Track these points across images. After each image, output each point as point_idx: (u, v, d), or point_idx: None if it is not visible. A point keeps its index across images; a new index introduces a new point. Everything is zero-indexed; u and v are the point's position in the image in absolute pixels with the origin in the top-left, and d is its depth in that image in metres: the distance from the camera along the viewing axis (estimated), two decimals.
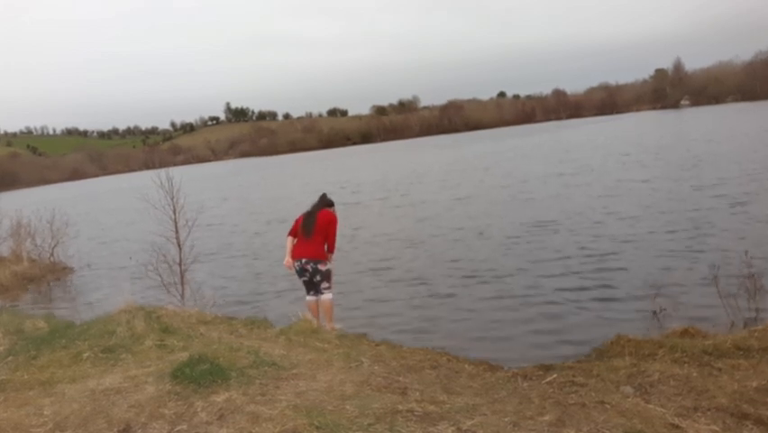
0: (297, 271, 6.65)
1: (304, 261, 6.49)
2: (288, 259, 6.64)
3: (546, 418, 3.58)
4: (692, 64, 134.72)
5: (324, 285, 6.59)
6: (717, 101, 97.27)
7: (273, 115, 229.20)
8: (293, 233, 6.71)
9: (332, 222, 6.62)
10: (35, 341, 5.86)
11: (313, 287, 6.65)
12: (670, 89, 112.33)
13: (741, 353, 4.55)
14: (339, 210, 7.06)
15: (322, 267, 6.52)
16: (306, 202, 6.99)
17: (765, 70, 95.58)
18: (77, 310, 9.31)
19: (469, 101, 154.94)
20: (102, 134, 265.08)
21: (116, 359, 5.13)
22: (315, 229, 6.51)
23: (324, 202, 6.73)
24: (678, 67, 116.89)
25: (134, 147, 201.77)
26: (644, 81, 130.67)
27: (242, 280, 10.76)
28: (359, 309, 7.95)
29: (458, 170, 30.16)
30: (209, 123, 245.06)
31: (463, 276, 9.12)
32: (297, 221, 6.73)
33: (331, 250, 6.69)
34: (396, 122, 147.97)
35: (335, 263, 7.12)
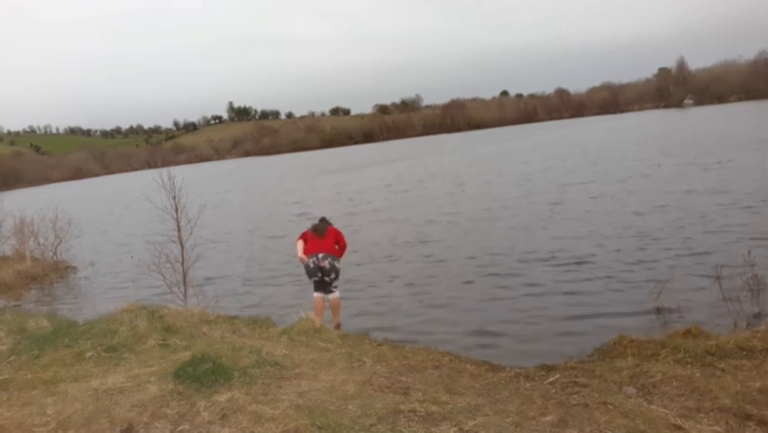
0: (308, 270, 6.81)
1: (321, 255, 6.76)
2: (301, 254, 6.92)
3: (548, 418, 3.58)
4: (696, 63, 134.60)
5: (335, 283, 6.94)
6: (720, 100, 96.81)
7: (276, 114, 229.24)
8: (303, 239, 7.11)
9: (340, 234, 7.19)
10: (38, 340, 5.88)
11: (323, 286, 6.89)
12: (673, 88, 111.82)
13: (744, 353, 4.54)
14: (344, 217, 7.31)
15: (338, 264, 6.91)
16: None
17: None
18: (80, 309, 9.34)
19: (471, 100, 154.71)
20: (105, 133, 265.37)
21: (119, 358, 5.15)
22: (327, 234, 6.99)
23: (327, 221, 7.25)
24: (681, 66, 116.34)
25: (137, 146, 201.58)
26: (648, 80, 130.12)
27: (246, 280, 10.77)
28: (361, 309, 7.95)
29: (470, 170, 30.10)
30: (212, 122, 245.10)
31: (465, 277, 9.11)
32: (304, 232, 7.21)
33: (341, 253, 7.14)
34: (398, 121, 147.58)
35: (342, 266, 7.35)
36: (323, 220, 7.23)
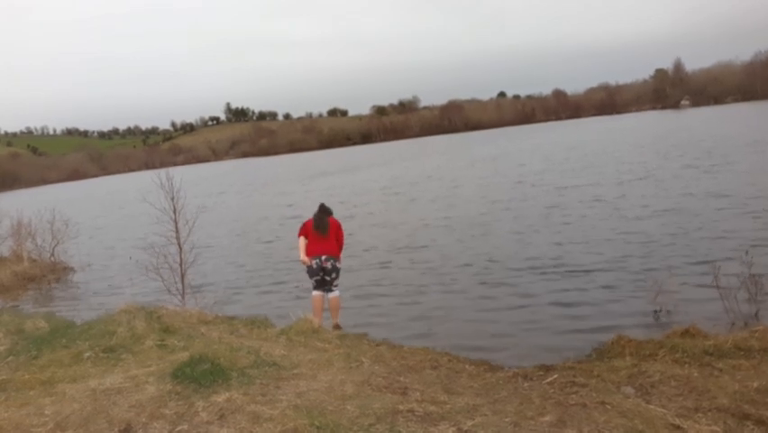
0: (311, 270, 6.82)
1: (324, 257, 6.76)
2: (304, 257, 6.84)
3: (547, 418, 3.59)
4: (692, 64, 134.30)
5: (336, 282, 6.92)
6: (716, 101, 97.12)
7: (273, 116, 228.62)
8: (304, 234, 7.00)
9: (340, 227, 7.13)
10: (36, 341, 5.86)
11: (323, 285, 6.89)
12: (670, 89, 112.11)
13: (742, 353, 4.55)
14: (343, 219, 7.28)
15: (339, 264, 6.93)
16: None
17: (765, 70, 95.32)
18: (78, 310, 9.31)
19: (469, 101, 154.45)
20: (102, 134, 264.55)
21: (117, 359, 5.14)
22: (329, 231, 6.91)
23: (327, 211, 7.10)
24: (678, 67, 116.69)
25: (135, 147, 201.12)
26: (645, 81, 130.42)
27: (243, 280, 10.76)
28: (360, 310, 7.95)
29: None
30: (209, 123, 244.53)
31: (464, 277, 9.12)
32: (305, 225, 7.07)
33: (340, 250, 7.09)
34: (396, 122, 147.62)
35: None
36: (323, 210, 7.03)
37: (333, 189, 28.01)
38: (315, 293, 6.91)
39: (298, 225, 7.32)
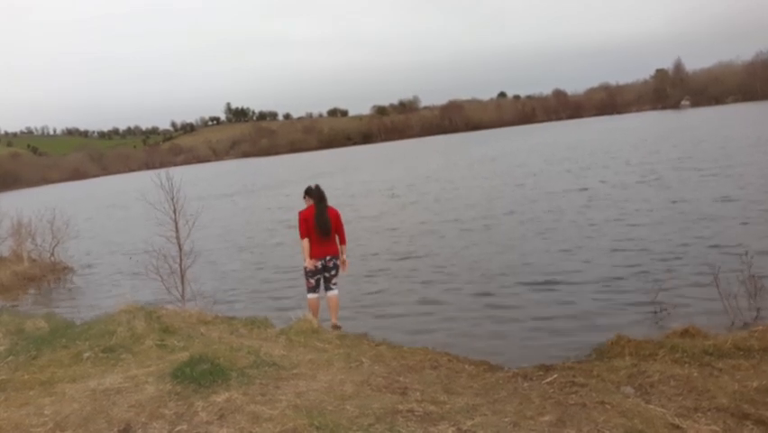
0: (312, 272, 6.75)
1: (328, 258, 6.76)
2: (309, 262, 6.70)
3: (547, 418, 3.58)
4: (693, 64, 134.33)
5: (335, 280, 6.87)
6: (717, 101, 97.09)
7: (274, 116, 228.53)
8: (306, 234, 6.70)
9: (339, 217, 6.89)
10: (36, 341, 5.86)
11: (319, 287, 6.85)
12: (670, 90, 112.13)
13: (741, 353, 4.55)
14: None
15: (338, 262, 6.89)
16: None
17: (766, 71, 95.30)
18: (78, 310, 9.31)
19: (469, 101, 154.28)
20: (102, 134, 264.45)
21: (117, 359, 5.13)
22: (332, 230, 6.74)
23: (324, 198, 6.81)
24: (678, 67, 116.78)
25: (135, 147, 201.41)
26: (645, 81, 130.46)
27: (243, 280, 10.76)
28: (360, 309, 7.95)
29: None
30: (209, 123, 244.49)
31: (464, 277, 9.12)
32: (304, 220, 6.72)
33: (343, 242, 6.97)
34: (396, 122, 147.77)
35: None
36: (320, 198, 6.73)
37: (333, 190, 27.99)
38: (311, 296, 6.85)
39: (297, 220, 6.81)
